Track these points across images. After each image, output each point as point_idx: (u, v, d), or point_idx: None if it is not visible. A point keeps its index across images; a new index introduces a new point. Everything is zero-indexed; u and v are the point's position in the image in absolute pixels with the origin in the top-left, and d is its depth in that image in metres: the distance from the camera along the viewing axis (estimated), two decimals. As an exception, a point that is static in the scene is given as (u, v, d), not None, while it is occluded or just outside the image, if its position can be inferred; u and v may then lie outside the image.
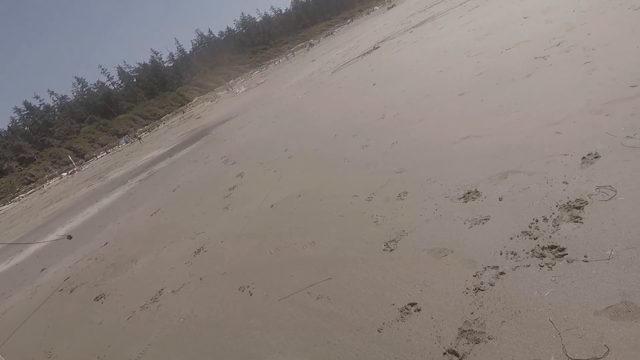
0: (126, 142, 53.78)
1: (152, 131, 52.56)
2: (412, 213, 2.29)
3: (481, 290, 1.53)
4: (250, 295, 2.28)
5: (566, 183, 1.88)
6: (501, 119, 2.93)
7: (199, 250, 3.27)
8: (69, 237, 2.44)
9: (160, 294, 2.85)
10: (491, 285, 1.53)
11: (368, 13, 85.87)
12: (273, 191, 3.83)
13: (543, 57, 3.70)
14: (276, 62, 71.48)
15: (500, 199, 2.01)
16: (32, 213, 17.31)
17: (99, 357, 2.45)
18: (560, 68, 3.28)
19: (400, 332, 1.53)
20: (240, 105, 18.85)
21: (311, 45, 60.35)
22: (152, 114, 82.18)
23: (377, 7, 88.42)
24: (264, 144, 6.39)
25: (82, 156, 67.68)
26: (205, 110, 35.86)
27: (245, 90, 30.33)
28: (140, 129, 68.37)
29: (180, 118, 48.59)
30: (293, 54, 64.86)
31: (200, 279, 2.79)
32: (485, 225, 1.89)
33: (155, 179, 8.79)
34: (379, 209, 2.52)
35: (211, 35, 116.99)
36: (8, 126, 77.70)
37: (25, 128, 78.10)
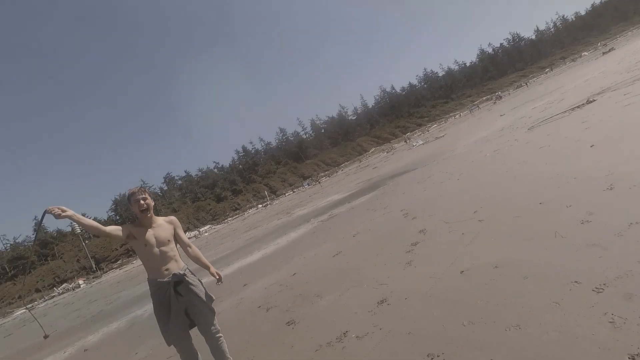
0: (308, 185, 61.92)
1: (331, 176, 58.80)
2: (677, 324, 1.73)
3: None
4: (442, 367, 2.16)
5: None
6: None
7: (382, 302, 3.34)
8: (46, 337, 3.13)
9: (344, 336, 3.01)
10: None
11: (573, 60, 74.90)
12: (462, 256, 3.61)
13: None
14: (457, 116, 69.79)
15: None
16: (236, 235, 21.45)
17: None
18: None
19: None
20: (417, 158, 19.04)
21: (499, 97, 56.49)
22: (333, 161, 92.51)
23: (586, 53, 76.41)
24: (447, 201, 6.19)
25: (274, 192, 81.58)
26: (381, 160, 37.66)
27: (423, 144, 30.56)
28: (322, 174, 77.67)
29: (357, 166, 52.57)
30: (478, 107, 61.99)
31: (385, 331, 2.81)
32: None
33: (335, 221, 9.63)
34: (616, 307, 2.02)
35: (393, 91, 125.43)
36: (229, 164, 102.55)
37: (240, 166, 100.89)
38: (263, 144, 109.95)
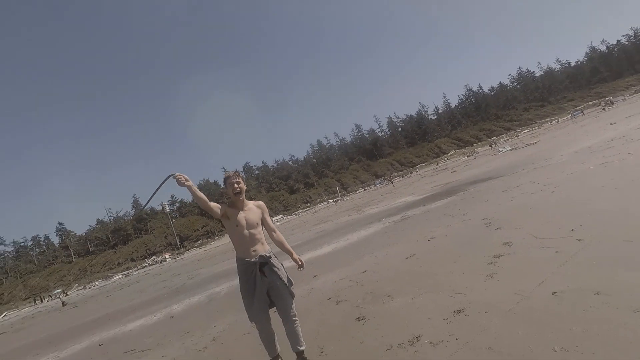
0: (380, 184, 60.90)
1: (405, 177, 57.11)
2: None
3: None
4: (526, 391, 2.01)
5: None
6: None
7: (459, 311, 3.19)
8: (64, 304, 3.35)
9: (417, 340, 2.94)
10: None
11: None
12: (554, 275, 3.28)
13: None
14: (554, 122, 62.62)
15: None
16: (306, 227, 21.95)
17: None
18: None
19: None
20: (504, 164, 17.62)
21: (610, 103, 49.24)
22: (408, 161, 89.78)
23: None
24: (538, 215, 5.64)
25: (345, 188, 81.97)
26: (461, 164, 35.55)
27: (511, 150, 28.09)
28: (395, 174, 75.84)
29: (433, 169, 50.34)
30: (582, 112, 54.74)
31: (462, 342, 2.70)
32: None
33: (408, 223, 9.36)
34: None
35: (480, 90, 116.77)
36: (304, 157, 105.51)
37: (313, 160, 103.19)
38: (338, 139, 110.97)
